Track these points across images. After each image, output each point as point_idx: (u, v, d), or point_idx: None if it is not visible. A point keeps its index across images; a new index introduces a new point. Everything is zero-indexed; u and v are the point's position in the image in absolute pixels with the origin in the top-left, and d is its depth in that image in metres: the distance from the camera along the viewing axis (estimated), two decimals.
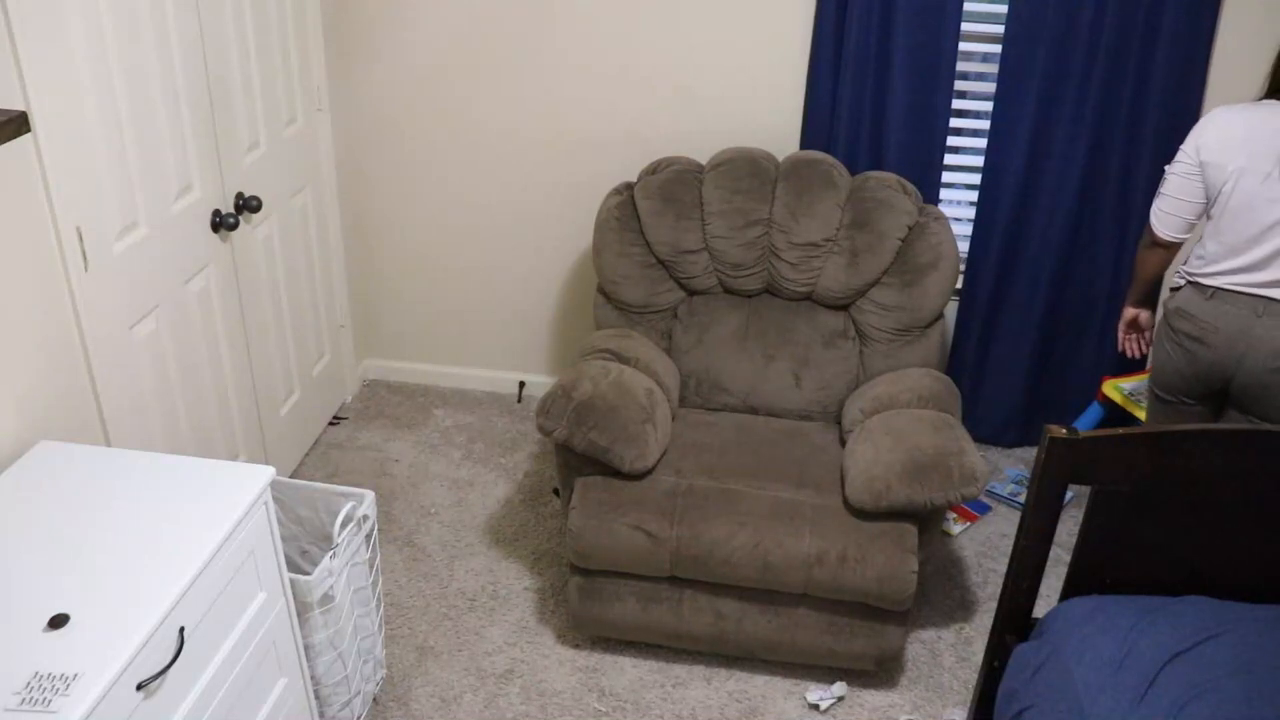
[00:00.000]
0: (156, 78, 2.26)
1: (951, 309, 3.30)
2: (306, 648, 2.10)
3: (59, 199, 1.97)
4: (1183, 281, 2.46)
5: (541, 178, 3.35)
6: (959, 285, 3.23)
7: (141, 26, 2.19)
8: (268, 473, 1.86)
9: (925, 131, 3.03)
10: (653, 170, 2.91)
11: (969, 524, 3.12)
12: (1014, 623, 2.12)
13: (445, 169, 3.38)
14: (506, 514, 3.12)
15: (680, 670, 2.60)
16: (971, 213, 3.24)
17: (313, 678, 2.15)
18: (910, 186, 2.85)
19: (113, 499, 1.77)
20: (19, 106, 1.86)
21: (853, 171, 3.00)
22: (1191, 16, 2.81)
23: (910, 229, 2.81)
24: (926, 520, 2.45)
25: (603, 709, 2.48)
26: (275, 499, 2.16)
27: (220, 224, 2.57)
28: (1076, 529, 2.41)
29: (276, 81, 2.84)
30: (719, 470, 2.53)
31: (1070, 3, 2.82)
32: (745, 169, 2.85)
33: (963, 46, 2.99)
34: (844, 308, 2.88)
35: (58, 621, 1.51)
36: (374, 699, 2.47)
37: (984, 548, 3.04)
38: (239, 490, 1.81)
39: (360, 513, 2.21)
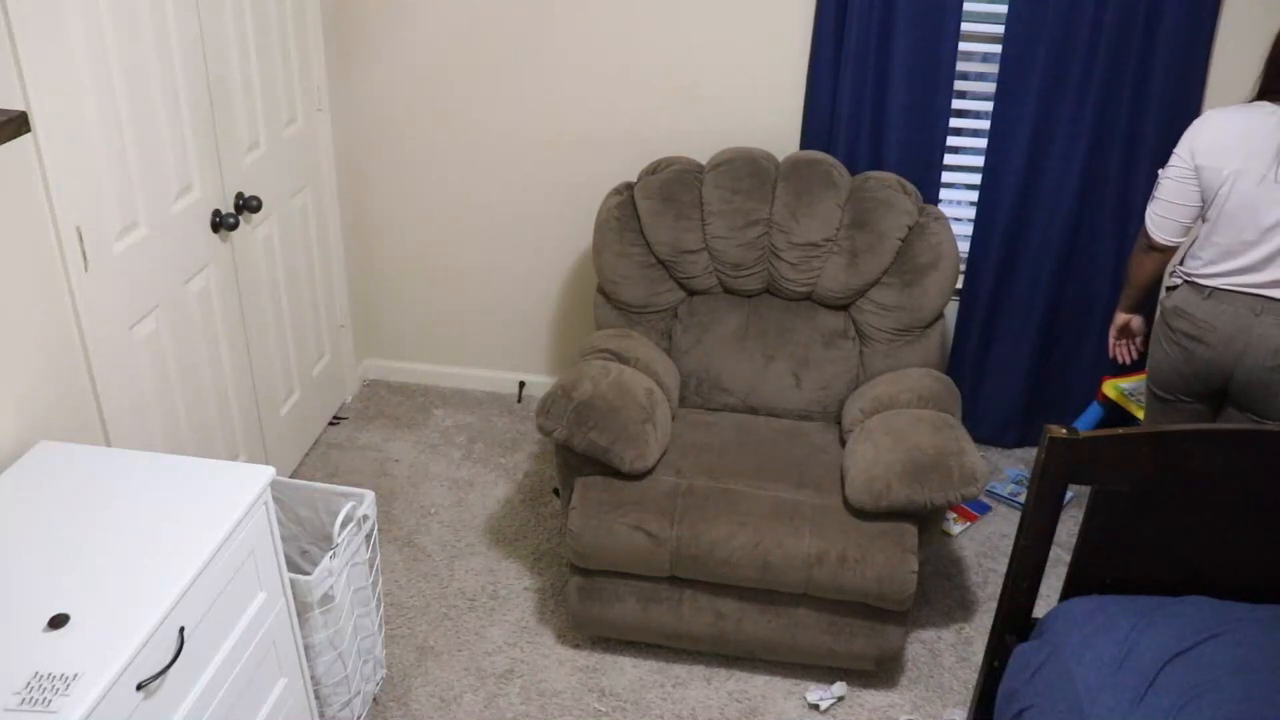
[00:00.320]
0: (156, 78, 2.26)
1: (951, 309, 3.30)
2: (306, 648, 2.10)
3: (59, 199, 1.97)
4: (1179, 281, 2.46)
5: (541, 178, 3.35)
6: (959, 285, 3.23)
7: (141, 26, 2.19)
8: (268, 473, 1.86)
9: (925, 131, 3.03)
10: (653, 170, 2.91)
11: (969, 524, 3.12)
12: (1014, 623, 2.12)
13: (445, 169, 3.38)
14: (506, 514, 3.12)
15: (680, 670, 2.60)
16: (971, 213, 3.24)
17: (313, 678, 2.15)
18: (910, 186, 2.85)
19: (113, 499, 1.77)
20: (19, 106, 1.86)
21: (853, 171, 3.00)
22: (1191, 16, 2.81)
23: (910, 229, 2.81)
24: (926, 520, 2.45)
25: (603, 709, 2.48)
26: (275, 499, 2.16)
27: (220, 224, 2.57)
28: (1076, 529, 2.41)
29: (276, 81, 2.84)
30: (719, 470, 2.53)
31: (1070, 3, 2.82)
32: (745, 169, 2.85)
33: (963, 46, 2.99)
34: (844, 308, 2.88)
35: (58, 621, 1.50)
36: (374, 699, 2.47)
37: (984, 548, 3.04)
38: (239, 490, 1.81)
39: (360, 513, 2.21)
